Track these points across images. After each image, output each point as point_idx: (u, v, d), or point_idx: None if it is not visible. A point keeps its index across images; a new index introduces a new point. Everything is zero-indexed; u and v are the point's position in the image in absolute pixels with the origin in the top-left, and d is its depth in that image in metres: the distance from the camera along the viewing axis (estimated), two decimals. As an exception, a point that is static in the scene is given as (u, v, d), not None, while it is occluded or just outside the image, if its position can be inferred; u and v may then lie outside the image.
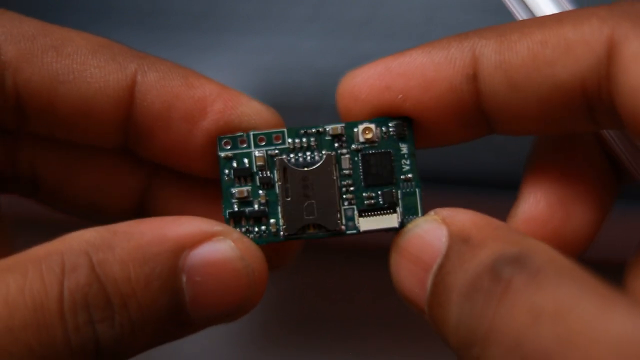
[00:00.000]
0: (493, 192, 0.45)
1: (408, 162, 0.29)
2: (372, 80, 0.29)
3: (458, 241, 0.26)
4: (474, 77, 0.28)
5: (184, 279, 0.27)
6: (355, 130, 0.29)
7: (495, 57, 0.27)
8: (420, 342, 0.43)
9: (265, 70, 0.47)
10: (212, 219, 0.29)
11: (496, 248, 0.25)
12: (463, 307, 0.24)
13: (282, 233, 0.29)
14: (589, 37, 0.26)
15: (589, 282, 0.23)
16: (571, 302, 0.23)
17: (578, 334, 0.22)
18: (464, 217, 0.27)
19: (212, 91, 0.30)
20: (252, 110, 0.31)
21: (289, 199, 0.29)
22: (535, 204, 0.30)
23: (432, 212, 0.28)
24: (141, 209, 0.34)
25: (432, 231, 0.27)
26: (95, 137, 0.31)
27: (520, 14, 0.31)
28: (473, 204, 0.45)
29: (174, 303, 0.27)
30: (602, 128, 0.29)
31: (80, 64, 0.29)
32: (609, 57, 0.26)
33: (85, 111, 0.30)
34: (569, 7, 0.30)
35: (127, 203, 0.33)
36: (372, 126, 0.29)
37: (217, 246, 0.28)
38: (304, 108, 0.41)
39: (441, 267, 0.26)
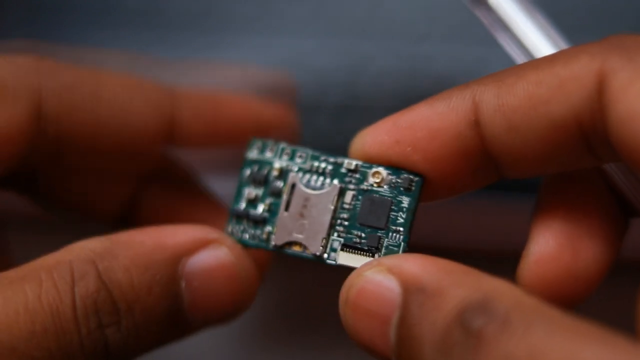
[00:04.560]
0: (495, 194, 0.45)
1: (404, 216, 0.30)
2: (382, 137, 0.30)
3: (414, 291, 0.26)
4: (476, 123, 0.29)
5: (183, 284, 0.28)
6: (368, 171, 0.31)
7: (494, 101, 0.28)
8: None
9: (266, 69, 0.47)
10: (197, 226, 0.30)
11: (458, 296, 0.25)
12: None
13: (272, 243, 0.31)
14: (579, 72, 0.27)
15: (558, 319, 0.24)
16: (543, 346, 0.23)
17: None
18: (411, 265, 0.27)
19: (240, 107, 0.32)
20: (274, 117, 0.33)
21: (286, 213, 0.31)
22: (544, 244, 0.30)
23: (374, 262, 0.28)
24: (128, 216, 0.35)
25: (381, 283, 0.27)
26: (134, 168, 0.32)
27: (518, 56, 0.32)
28: (474, 204, 0.46)
29: (174, 307, 0.28)
30: (603, 162, 0.29)
31: (119, 110, 0.31)
32: (600, 91, 0.27)
33: (127, 150, 0.31)
34: (563, 45, 0.31)
35: (115, 210, 0.35)
36: (383, 172, 0.30)
37: (214, 253, 0.29)
38: (304, 107, 0.41)
39: (402, 319, 0.26)
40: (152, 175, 0.34)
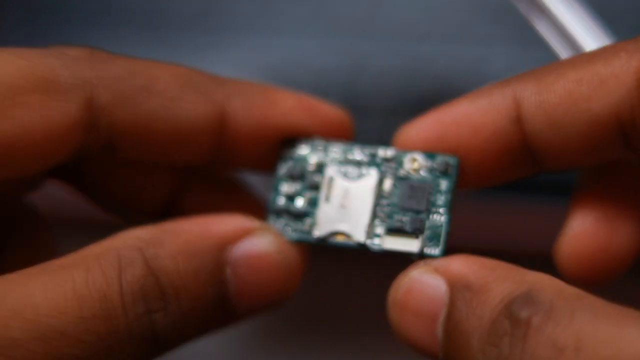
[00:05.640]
0: (498, 195, 0.45)
1: (443, 198, 0.31)
2: (426, 133, 0.31)
3: (460, 289, 0.27)
4: (517, 119, 0.30)
5: (229, 271, 0.29)
6: (405, 158, 0.31)
7: (535, 98, 0.30)
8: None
9: (266, 69, 0.47)
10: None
11: (503, 290, 0.26)
12: (489, 352, 0.26)
13: (314, 234, 0.31)
14: (619, 70, 0.28)
15: (600, 306, 0.25)
16: (588, 330, 0.24)
17: (601, 358, 0.23)
18: (458, 265, 0.28)
19: (292, 104, 0.33)
20: (329, 116, 0.33)
21: (328, 204, 0.31)
22: (583, 220, 0.32)
23: (422, 263, 0.29)
24: (169, 210, 0.35)
25: (430, 282, 0.28)
26: (187, 161, 0.33)
27: (557, 48, 0.33)
28: (475, 204, 0.46)
29: (220, 294, 0.29)
30: None
31: (170, 101, 0.31)
32: (639, 88, 0.28)
33: (178, 142, 0.31)
34: (605, 38, 0.33)
35: (160, 202, 0.35)
36: (419, 157, 0.31)
37: (258, 241, 0.30)
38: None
39: (450, 316, 0.27)
40: (195, 169, 0.35)
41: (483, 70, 0.47)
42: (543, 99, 0.29)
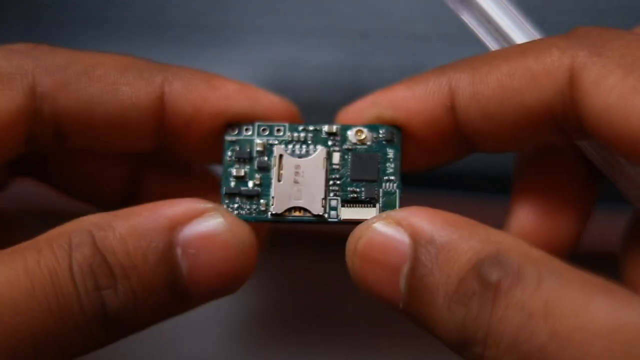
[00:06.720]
0: (477, 195, 0.45)
1: (392, 166, 0.32)
2: (364, 113, 0.33)
3: (423, 243, 0.28)
4: (451, 108, 0.31)
5: (179, 252, 0.29)
6: (349, 132, 0.32)
7: (469, 89, 0.31)
8: (420, 340, 0.43)
9: (267, 66, 0.48)
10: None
11: (471, 249, 0.27)
12: (456, 310, 0.26)
13: (270, 212, 0.32)
14: (551, 67, 0.29)
15: (565, 272, 0.25)
16: (555, 297, 0.25)
17: (569, 328, 0.24)
18: (419, 218, 0.28)
19: (234, 90, 0.33)
20: (271, 104, 0.34)
21: (281, 182, 0.32)
22: (523, 218, 0.33)
23: (382, 215, 0.29)
24: (132, 196, 0.37)
25: (391, 234, 0.29)
26: (131, 146, 0.33)
27: (488, 41, 0.34)
28: (458, 206, 0.46)
29: (172, 276, 0.29)
30: (572, 140, 0.31)
31: (111, 85, 0.32)
32: (571, 85, 0.29)
33: (121, 126, 0.32)
34: (534, 32, 0.33)
35: (118, 192, 0.36)
36: (365, 130, 0.32)
37: (208, 221, 0.30)
38: (305, 105, 0.41)
39: (413, 270, 0.28)
40: (150, 155, 0.36)
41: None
42: (477, 90, 0.30)
